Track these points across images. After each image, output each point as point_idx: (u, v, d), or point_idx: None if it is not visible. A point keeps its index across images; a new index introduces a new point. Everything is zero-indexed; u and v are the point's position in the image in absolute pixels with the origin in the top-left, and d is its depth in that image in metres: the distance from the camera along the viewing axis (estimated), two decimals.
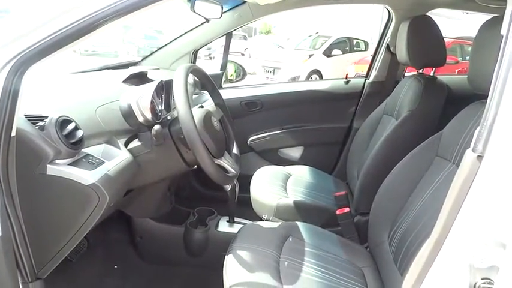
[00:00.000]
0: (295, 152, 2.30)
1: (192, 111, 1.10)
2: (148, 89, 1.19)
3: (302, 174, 2.05)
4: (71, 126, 1.02)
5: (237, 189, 1.59)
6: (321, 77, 8.91)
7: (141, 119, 1.14)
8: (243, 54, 15.04)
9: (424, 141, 1.38)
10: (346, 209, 1.51)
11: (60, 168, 0.98)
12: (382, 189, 1.45)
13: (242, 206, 1.77)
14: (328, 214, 1.70)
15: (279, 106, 2.27)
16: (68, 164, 1.00)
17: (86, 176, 1.00)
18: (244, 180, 1.85)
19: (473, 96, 1.20)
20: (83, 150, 1.06)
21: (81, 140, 1.03)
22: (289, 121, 2.27)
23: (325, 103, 2.29)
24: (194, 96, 1.99)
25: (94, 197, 1.00)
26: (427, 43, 1.65)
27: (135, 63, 2.13)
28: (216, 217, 1.72)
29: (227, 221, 1.68)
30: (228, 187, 1.56)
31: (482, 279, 0.78)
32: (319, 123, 2.27)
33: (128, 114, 1.14)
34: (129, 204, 1.48)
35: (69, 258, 1.46)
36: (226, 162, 1.26)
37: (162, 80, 1.29)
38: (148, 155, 1.19)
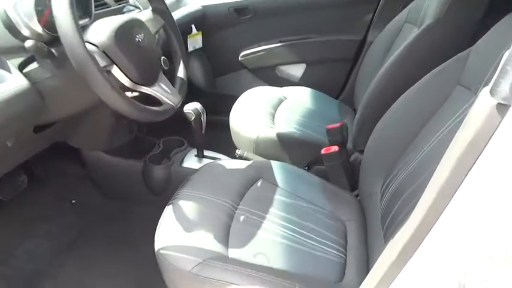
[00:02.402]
0: (296, 70, 1.92)
1: (74, 12, 0.74)
2: None
3: (300, 97, 1.70)
4: None
5: (203, 118, 1.29)
6: None
7: (26, 32, 0.82)
8: None
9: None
10: (334, 148, 1.19)
11: None
12: (383, 123, 1.12)
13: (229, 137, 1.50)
14: (320, 150, 1.39)
15: (276, 13, 1.83)
16: None
17: None
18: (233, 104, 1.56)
19: None
20: None
21: None
22: (288, 32, 1.85)
23: (333, 9, 1.82)
24: None
25: None
26: None
27: None
28: (185, 149, 1.45)
29: (195, 155, 1.41)
30: (191, 116, 1.27)
31: None
32: (325, 35, 1.84)
33: (8, 26, 0.82)
34: (69, 135, 1.24)
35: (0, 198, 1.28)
36: (158, 91, 0.95)
37: None
38: (50, 81, 0.88)
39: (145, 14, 1.05)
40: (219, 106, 1.72)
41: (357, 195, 1.21)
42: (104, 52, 0.85)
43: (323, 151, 1.19)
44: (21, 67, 0.87)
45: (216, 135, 1.55)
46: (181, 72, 1.11)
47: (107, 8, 1.16)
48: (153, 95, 0.94)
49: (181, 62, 1.11)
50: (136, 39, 0.91)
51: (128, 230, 1.29)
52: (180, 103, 1.03)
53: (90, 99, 0.88)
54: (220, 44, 1.88)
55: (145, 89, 0.92)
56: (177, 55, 1.11)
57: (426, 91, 1.01)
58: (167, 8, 1.09)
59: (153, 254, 0.88)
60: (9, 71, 0.86)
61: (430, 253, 0.51)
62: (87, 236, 1.34)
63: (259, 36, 1.86)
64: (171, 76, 1.08)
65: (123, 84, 0.89)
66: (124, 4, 1.25)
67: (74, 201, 1.46)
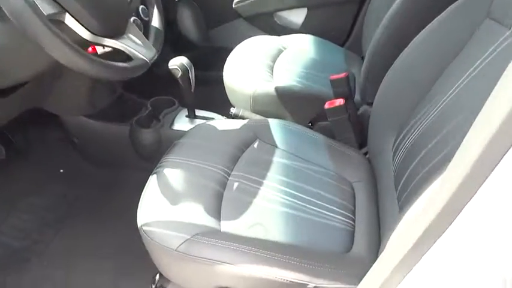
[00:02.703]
0: (296, 16, 1.73)
1: None
2: None
3: (301, 46, 1.54)
4: None
5: (191, 74, 1.15)
6: None
7: None
8: None
9: None
10: (339, 101, 1.05)
11: None
12: (394, 70, 0.98)
13: (224, 93, 1.36)
14: (323, 105, 1.25)
15: None
16: None
17: None
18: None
19: None
20: None
21: None
22: None
23: None
24: None
25: None
26: None
27: None
28: (176, 110, 1.32)
29: (186, 116, 1.29)
30: (178, 72, 1.13)
31: None
32: None
33: None
34: (42, 100, 1.11)
35: None
36: (127, 44, 0.80)
37: None
38: None
39: None
40: (213, 60, 1.58)
41: (365, 154, 1.09)
42: None
43: (327, 105, 1.06)
44: None
45: (210, 93, 1.41)
46: (156, 21, 0.95)
47: None
48: (121, 48, 0.80)
49: (156, 9, 0.95)
50: None
51: (120, 200, 1.19)
52: (155, 57, 0.88)
53: (49, 58, 0.74)
54: None
55: (110, 42, 0.78)
56: (151, 1, 0.95)
57: (446, 29, 0.86)
58: None
59: None
60: None
61: (463, 236, 0.39)
62: (76, 209, 1.25)
63: None
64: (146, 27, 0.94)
65: (80, 36, 0.75)
66: None
67: (61, 171, 1.36)
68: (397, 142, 0.89)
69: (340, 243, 0.82)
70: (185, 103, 1.25)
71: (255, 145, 1.01)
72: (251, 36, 1.56)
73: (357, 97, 1.26)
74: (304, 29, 1.71)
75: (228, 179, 0.89)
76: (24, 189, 1.26)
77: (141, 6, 1.04)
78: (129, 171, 1.29)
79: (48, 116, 1.25)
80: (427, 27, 0.89)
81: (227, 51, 1.46)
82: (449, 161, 0.40)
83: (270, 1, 1.69)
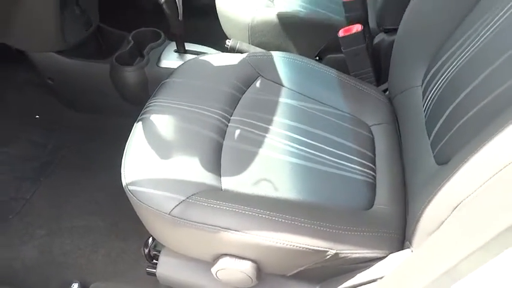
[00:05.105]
0: None
1: None
2: None
3: None
4: None
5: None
6: None
7: None
8: None
9: None
10: (356, 27, 0.88)
11: None
12: None
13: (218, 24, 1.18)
14: (335, 33, 1.08)
15: None
16: None
17: None
18: None
19: None
20: None
21: None
22: None
23: None
24: None
25: None
26: None
27: None
28: (163, 44, 1.14)
29: (175, 51, 1.11)
30: None
31: None
32: None
33: None
34: (2, 32, 0.93)
35: None
36: None
37: None
38: None
39: None
40: None
41: (384, 91, 0.94)
42: None
43: (341, 33, 0.89)
44: None
45: (202, 23, 1.23)
46: None
47: None
48: None
49: None
50: None
51: (105, 150, 1.06)
52: None
53: None
54: None
55: None
56: None
57: None
58: None
59: None
60: None
61: None
62: (57, 160, 1.12)
63: None
64: None
65: None
66: None
67: (37, 117, 1.21)
68: (429, 76, 0.74)
69: (360, 199, 0.70)
70: (173, 35, 1.07)
71: (257, 84, 0.86)
72: None
73: (372, 23, 1.09)
74: None
75: (227, 126, 0.75)
76: None
77: None
78: (115, 116, 1.14)
79: (15, 54, 1.07)
80: None
81: None
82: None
83: None
